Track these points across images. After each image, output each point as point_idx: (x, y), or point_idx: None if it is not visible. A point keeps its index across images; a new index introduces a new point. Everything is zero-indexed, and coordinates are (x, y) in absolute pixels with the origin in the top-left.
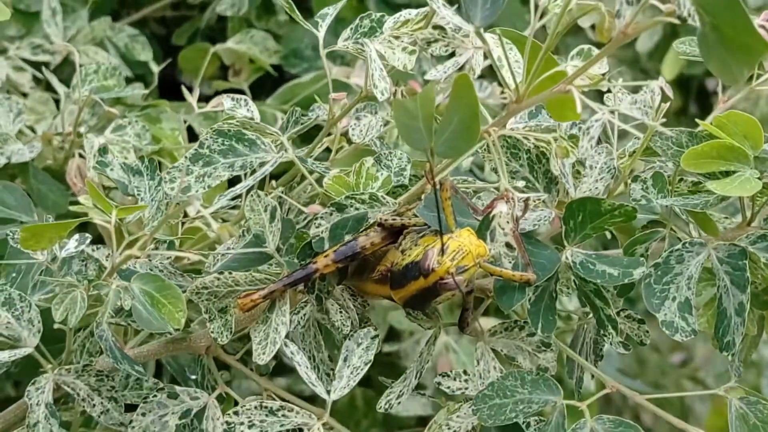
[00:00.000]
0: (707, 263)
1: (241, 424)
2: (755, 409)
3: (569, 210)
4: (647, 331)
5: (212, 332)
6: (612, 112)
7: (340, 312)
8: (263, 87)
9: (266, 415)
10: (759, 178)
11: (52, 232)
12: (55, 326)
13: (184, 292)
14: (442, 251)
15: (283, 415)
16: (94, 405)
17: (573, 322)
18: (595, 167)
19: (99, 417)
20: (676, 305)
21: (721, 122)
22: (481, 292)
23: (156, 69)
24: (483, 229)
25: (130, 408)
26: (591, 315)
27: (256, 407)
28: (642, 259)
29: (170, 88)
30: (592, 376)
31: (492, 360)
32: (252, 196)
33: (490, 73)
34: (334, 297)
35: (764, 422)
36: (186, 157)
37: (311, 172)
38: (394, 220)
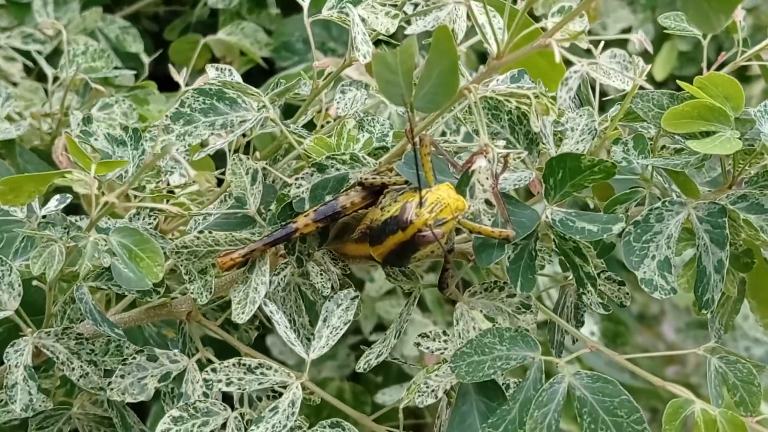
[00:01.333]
0: (687, 224)
1: (219, 381)
2: (734, 369)
3: (549, 167)
4: (627, 293)
5: (192, 293)
6: (591, 64)
7: (321, 274)
8: (253, 80)
9: (244, 373)
10: (740, 138)
11: (31, 184)
12: (35, 289)
13: (164, 252)
14: (421, 204)
15: (261, 373)
16: (73, 368)
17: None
18: (576, 129)
19: (78, 380)
20: (656, 264)
21: (702, 84)
22: (462, 255)
23: (147, 60)
24: (462, 185)
25: (110, 375)
26: (571, 277)
27: (234, 364)
28: (621, 215)
29: (161, 84)
30: (574, 341)
31: (471, 321)
32: (234, 159)
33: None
34: (314, 260)
35: (744, 381)
36: (166, 116)
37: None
38: (374, 179)
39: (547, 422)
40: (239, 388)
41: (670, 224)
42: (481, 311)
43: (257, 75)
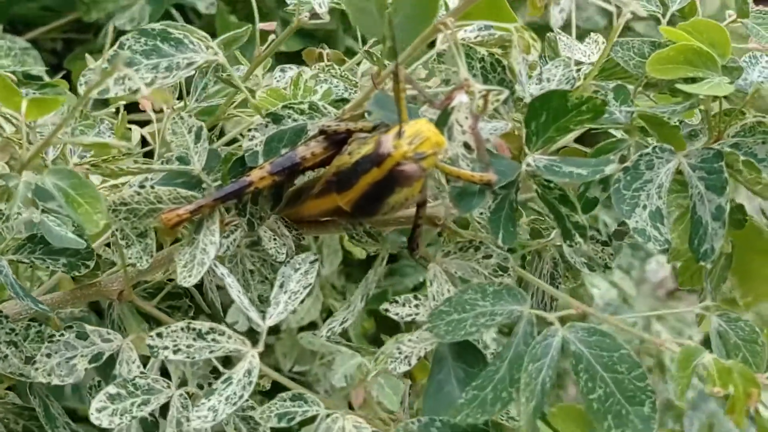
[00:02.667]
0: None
1: (165, 348)
2: (736, 327)
3: (531, 109)
4: (612, 254)
5: (130, 257)
6: None
7: (274, 239)
8: None
9: (194, 339)
10: (730, 83)
11: None
12: None
13: None
14: (399, 135)
15: (213, 339)
16: None
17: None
18: (553, 80)
19: None
20: (648, 213)
21: (686, 29)
22: (430, 222)
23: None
24: (440, 124)
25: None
26: (546, 243)
27: (182, 329)
28: (612, 157)
29: None
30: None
31: (446, 282)
32: (173, 118)
33: None
34: (267, 225)
35: (746, 340)
36: (103, 59)
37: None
38: (338, 126)
39: (541, 378)
40: (188, 356)
41: (661, 173)
42: (455, 273)
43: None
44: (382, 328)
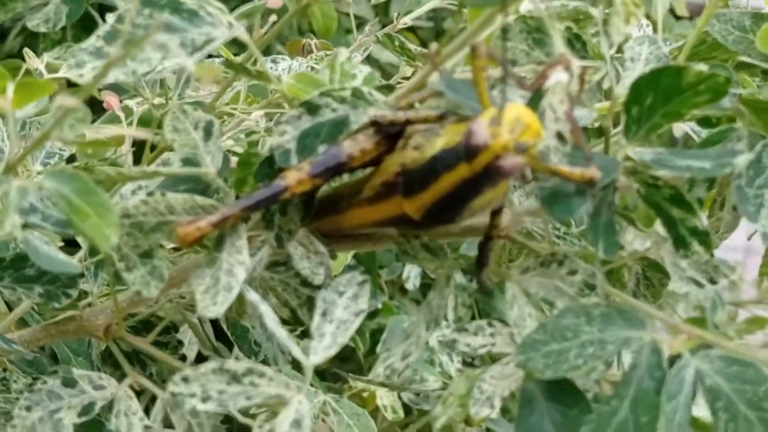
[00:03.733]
0: None
1: (192, 395)
2: None
3: (635, 90)
4: (716, 266)
5: (133, 284)
6: None
7: (308, 257)
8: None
9: (227, 383)
10: None
11: None
12: None
13: None
14: (496, 121)
15: (250, 383)
16: None
17: None
18: (638, 59)
19: None
20: None
21: None
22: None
23: None
24: (531, 109)
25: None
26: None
27: (214, 371)
28: (741, 147)
29: None
30: None
31: (526, 305)
32: (174, 113)
33: None
34: (297, 240)
35: None
36: (98, 36)
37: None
38: (394, 116)
39: (677, 421)
40: (219, 405)
41: None
42: (537, 293)
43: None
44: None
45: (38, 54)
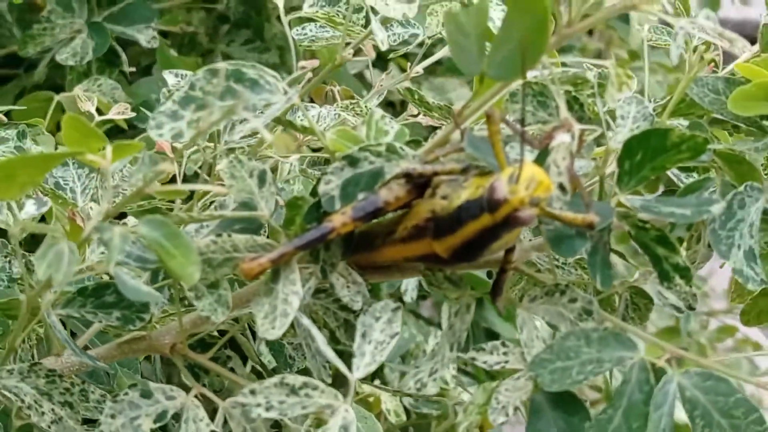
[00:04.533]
0: None
1: (258, 405)
2: None
3: (627, 148)
4: (695, 295)
5: (202, 311)
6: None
7: (348, 287)
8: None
9: (286, 395)
10: None
11: (27, 172)
12: None
13: None
14: (514, 179)
15: (305, 395)
16: (43, 413)
17: None
18: (628, 117)
19: (50, 427)
20: (742, 253)
21: (759, 65)
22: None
23: None
24: (539, 166)
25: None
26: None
27: (275, 385)
28: (716, 197)
29: None
30: None
31: (534, 329)
32: (230, 161)
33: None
34: (338, 271)
35: None
36: (173, 101)
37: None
38: (424, 168)
39: (662, 427)
40: (280, 413)
41: (751, 211)
42: (543, 318)
43: (115, 134)
44: None
45: (66, 87)
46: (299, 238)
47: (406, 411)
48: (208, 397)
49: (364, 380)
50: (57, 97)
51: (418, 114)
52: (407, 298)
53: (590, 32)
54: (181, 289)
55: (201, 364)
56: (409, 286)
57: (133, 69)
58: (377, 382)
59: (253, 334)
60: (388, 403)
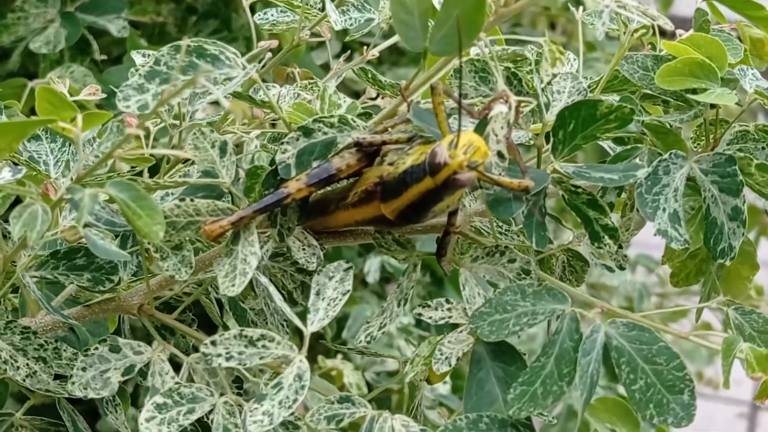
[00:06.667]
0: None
1: (218, 355)
2: (750, 319)
3: (560, 118)
4: (626, 256)
5: (167, 269)
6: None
7: (303, 249)
8: None
9: (245, 346)
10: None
11: (5, 138)
12: None
13: None
14: (453, 145)
15: (263, 346)
16: (18, 367)
17: None
18: (563, 91)
19: (24, 381)
20: (667, 216)
21: (685, 43)
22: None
23: None
24: (478, 134)
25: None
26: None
27: (235, 336)
28: (641, 162)
29: None
30: None
31: (476, 286)
32: (194, 133)
33: None
34: (294, 235)
35: (759, 332)
36: (140, 75)
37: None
38: (373, 138)
39: (590, 372)
40: (239, 363)
41: (676, 177)
42: (484, 277)
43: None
44: None
45: (39, 74)
46: (258, 202)
47: (368, 385)
48: (174, 355)
49: (327, 356)
50: (31, 84)
51: (377, 97)
52: (370, 279)
53: (552, 26)
54: (148, 258)
55: (167, 324)
56: (372, 267)
57: (105, 57)
58: (340, 358)
59: (219, 304)
60: (350, 377)
